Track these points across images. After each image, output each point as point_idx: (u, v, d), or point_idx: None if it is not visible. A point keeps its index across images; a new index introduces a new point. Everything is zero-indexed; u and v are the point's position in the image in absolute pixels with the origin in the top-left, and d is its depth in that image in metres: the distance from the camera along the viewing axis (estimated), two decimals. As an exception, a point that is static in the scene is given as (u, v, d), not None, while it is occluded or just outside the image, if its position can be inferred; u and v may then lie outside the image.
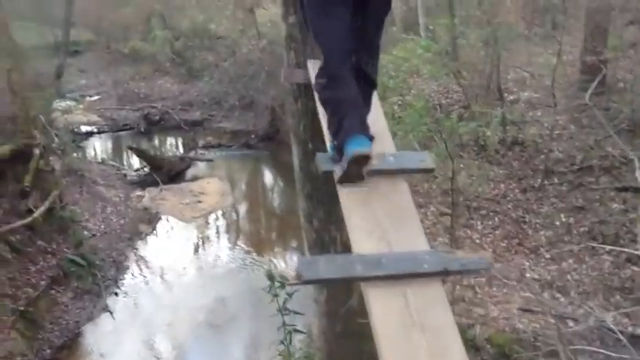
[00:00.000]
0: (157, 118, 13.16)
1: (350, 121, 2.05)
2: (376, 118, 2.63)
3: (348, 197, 2.12)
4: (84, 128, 13.20)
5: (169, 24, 15.86)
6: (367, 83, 2.34)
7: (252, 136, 11.67)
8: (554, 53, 8.25)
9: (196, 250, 8.27)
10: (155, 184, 9.77)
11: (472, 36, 8.87)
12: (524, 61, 10.24)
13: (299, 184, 3.02)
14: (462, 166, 7.63)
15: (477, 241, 6.77)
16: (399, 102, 8.31)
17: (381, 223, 1.95)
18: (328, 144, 2.41)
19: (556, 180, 7.40)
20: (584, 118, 8.07)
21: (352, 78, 2.16)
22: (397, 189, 2.13)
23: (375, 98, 2.68)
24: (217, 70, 13.04)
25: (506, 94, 8.81)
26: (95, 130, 13.28)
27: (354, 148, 1.95)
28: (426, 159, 2.31)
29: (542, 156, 7.62)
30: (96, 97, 15.25)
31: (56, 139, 9.27)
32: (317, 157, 2.31)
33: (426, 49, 7.86)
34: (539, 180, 7.39)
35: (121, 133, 13.15)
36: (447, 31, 9.55)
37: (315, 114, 2.78)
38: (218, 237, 8.77)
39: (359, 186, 2.11)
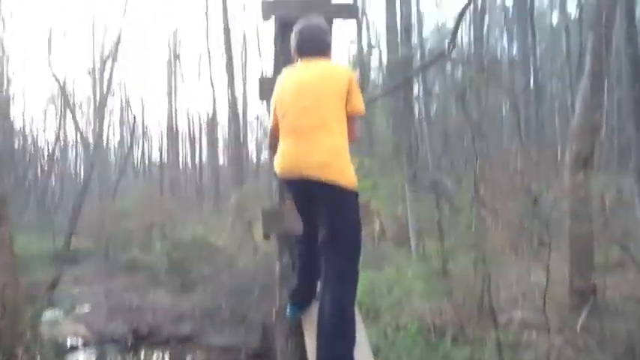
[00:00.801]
0: (147, 331, 12.89)
1: None
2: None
3: None
4: (70, 341, 12.84)
5: (170, 235, 16.33)
6: None
7: (242, 353, 11.34)
8: (543, 270, 8.45)
9: None
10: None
11: (462, 258, 9.17)
12: (514, 280, 10.41)
13: None
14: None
15: None
16: (392, 323, 8.28)
17: None
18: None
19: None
20: (578, 339, 7.98)
21: None
22: None
23: (361, 330, 2.75)
24: (212, 282, 13.12)
25: (499, 314, 8.80)
26: (81, 343, 12.91)
27: None
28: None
29: (542, 384, 7.37)
30: (87, 308, 15.09)
31: (38, 358, 8.99)
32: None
33: (417, 271, 8.10)
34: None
35: (108, 345, 12.76)
36: (437, 254, 9.90)
37: (303, 352, 2.79)
38: None
39: None
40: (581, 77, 10.37)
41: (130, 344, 12.46)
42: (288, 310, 2.96)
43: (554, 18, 27.93)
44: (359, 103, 2.69)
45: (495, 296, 9.24)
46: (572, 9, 24.67)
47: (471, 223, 9.08)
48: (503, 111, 20.33)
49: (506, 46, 26.82)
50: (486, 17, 23.88)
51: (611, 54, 11.16)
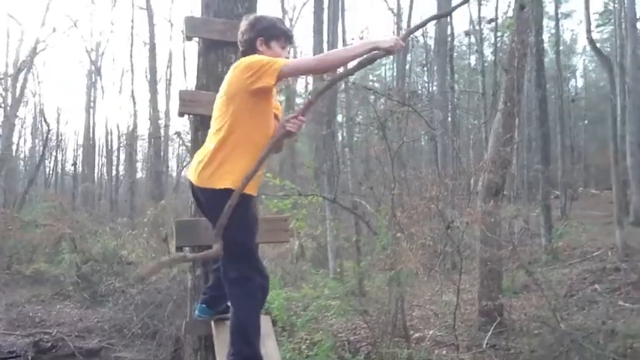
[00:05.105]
0: (49, 345, 12.18)
1: None
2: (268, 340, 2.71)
3: None
4: (-38, 354, 11.94)
5: (80, 248, 15.64)
6: None
7: (152, 367, 10.98)
8: (454, 291, 8.85)
9: None
10: None
11: (378, 278, 9.39)
12: (428, 300, 10.79)
13: None
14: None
15: None
16: (307, 340, 8.31)
17: None
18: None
19: None
20: (486, 358, 8.35)
21: None
22: None
23: (268, 324, 2.80)
24: (123, 296, 12.64)
25: (412, 332, 9.07)
26: (-26, 357, 12.02)
27: None
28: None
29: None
30: (-17, 321, 14.10)
31: None
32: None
33: (334, 289, 8.20)
34: None
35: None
36: (354, 273, 10.07)
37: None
38: None
39: None
40: (494, 114, 11.03)
41: (30, 358, 11.73)
42: (197, 309, 2.91)
43: (472, 59, 29.56)
44: (263, 78, 2.55)
45: (408, 315, 9.54)
46: (488, 52, 26.16)
47: (387, 246, 9.33)
48: (422, 142, 21.15)
49: (426, 82, 28.12)
50: (409, 55, 24.91)
51: (522, 95, 11.98)
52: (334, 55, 2.66)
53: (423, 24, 3.14)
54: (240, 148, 2.56)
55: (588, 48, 25.88)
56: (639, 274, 10.26)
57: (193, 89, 3.35)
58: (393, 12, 23.03)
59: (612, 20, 25.17)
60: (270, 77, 2.53)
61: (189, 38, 3.32)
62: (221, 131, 2.60)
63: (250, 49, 2.73)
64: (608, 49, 26.56)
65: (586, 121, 33.69)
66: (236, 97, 2.59)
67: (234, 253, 2.56)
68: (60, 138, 34.92)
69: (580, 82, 38.15)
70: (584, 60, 36.90)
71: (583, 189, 26.04)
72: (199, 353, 2.99)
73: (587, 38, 18.50)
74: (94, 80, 31.66)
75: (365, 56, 2.51)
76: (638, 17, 18.97)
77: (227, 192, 2.49)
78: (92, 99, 31.80)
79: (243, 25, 2.78)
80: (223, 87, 2.67)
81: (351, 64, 2.59)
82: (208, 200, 2.61)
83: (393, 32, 22.71)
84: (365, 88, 12.45)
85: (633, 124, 17.98)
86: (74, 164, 33.46)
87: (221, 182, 2.53)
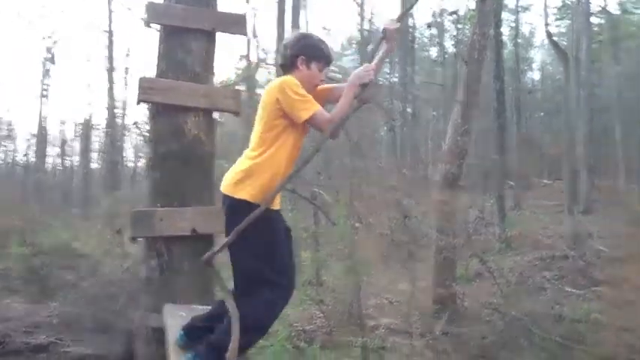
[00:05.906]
0: (-6, 341, 11.80)
1: None
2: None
3: None
4: None
5: (29, 240, 15.16)
6: None
7: (104, 362, 10.71)
8: (411, 280, 8.92)
9: None
10: None
11: (335, 268, 9.38)
12: (384, 289, 10.83)
13: None
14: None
15: None
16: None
17: None
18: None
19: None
20: (439, 345, 8.45)
21: None
22: None
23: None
24: (73, 289, 12.29)
25: (367, 320, 9.09)
26: None
27: None
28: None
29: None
30: None
31: None
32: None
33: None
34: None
35: (-54, 357, 11.50)
36: (311, 264, 10.04)
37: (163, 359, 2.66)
38: None
39: None
40: (454, 106, 11.11)
41: (-26, 356, 11.32)
42: (178, 336, 2.73)
43: (433, 51, 29.81)
44: (293, 112, 2.63)
45: (364, 303, 9.55)
46: (449, 44, 26.40)
47: (345, 235, 9.32)
48: (382, 132, 21.27)
49: (387, 74, 28.24)
50: (370, 46, 24.97)
51: (480, 86, 12.11)
52: (339, 110, 2.72)
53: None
54: (265, 166, 2.62)
55: (546, 41, 26.39)
56: (586, 262, 10.53)
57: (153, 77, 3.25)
58: (356, 2, 22.86)
59: (570, 14, 25.69)
60: (301, 115, 2.62)
61: (149, 24, 3.24)
62: (254, 148, 2.67)
63: (290, 65, 2.79)
64: (565, 43, 27.14)
65: (542, 113, 34.42)
66: (268, 115, 2.66)
67: (247, 265, 2.65)
68: (11, 127, 33.88)
69: (537, 75, 38.94)
70: (541, 53, 37.67)
71: (537, 179, 26.60)
72: (151, 346, 2.89)
73: (546, 32, 18.89)
74: (48, 68, 30.73)
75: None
76: (592, 12, 19.42)
77: (243, 203, 2.57)
78: (46, 88, 30.90)
79: (288, 39, 2.89)
80: (260, 103, 2.74)
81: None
82: (226, 206, 2.66)
83: (358, 24, 22.63)
84: (327, 78, 12.34)
85: (586, 115, 18.44)
86: (25, 154, 32.54)
87: (241, 192, 2.60)
